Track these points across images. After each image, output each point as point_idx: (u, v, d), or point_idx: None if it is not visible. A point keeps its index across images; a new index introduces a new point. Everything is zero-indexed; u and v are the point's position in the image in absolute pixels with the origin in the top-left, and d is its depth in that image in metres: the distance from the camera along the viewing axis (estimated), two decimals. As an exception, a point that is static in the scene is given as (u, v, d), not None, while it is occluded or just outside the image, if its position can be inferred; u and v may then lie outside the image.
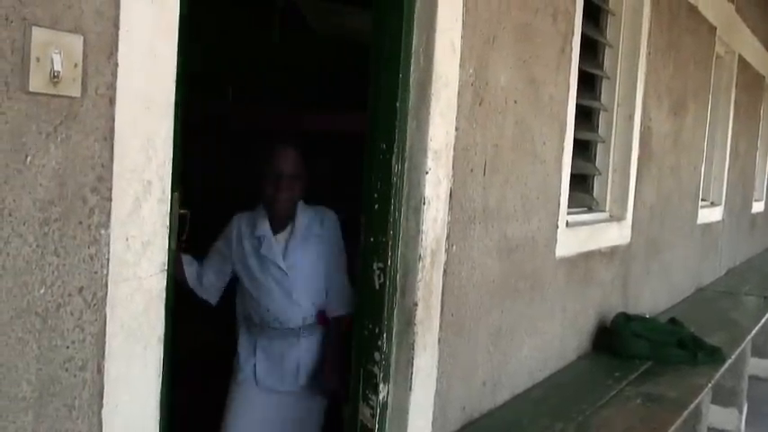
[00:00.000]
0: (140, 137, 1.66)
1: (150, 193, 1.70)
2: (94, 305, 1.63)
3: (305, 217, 3.00)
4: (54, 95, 1.50)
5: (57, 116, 1.52)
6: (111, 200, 1.62)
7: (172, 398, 1.93)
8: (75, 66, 1.51)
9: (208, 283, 3.03)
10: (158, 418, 1.80)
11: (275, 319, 2.95)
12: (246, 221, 3.00)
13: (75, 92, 1.53)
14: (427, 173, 2.63)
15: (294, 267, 2.94)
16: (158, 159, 1.72)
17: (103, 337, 1.64)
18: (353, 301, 2.79)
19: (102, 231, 1.62)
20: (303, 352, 2.98)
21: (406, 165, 2.63)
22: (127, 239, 1.66)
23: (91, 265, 1.62)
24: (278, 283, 2.94)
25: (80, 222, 1.59)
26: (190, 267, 2.99)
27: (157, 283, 1.75)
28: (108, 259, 1.63)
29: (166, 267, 1.77)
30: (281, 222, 2.97)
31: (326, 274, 3.02)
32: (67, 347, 1.60)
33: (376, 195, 2.62)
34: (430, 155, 2.63)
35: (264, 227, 2.97)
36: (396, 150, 2.60)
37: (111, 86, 1.60)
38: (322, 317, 3.06)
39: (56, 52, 1.47)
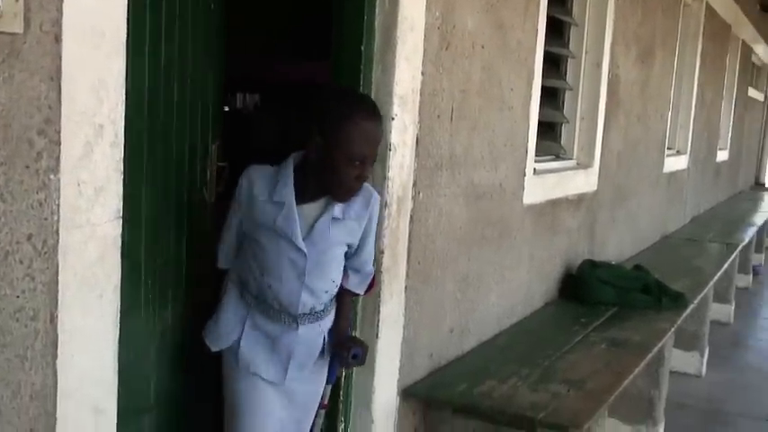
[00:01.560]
0: (90, 77, 1.58)
1: (102, 136, 1.63)
2: (45, 253, 1.57)
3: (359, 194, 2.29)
4: (-6, 32, 1.42)
5: (-2, 54, 1.44)
6: (60, 143, 1.55)
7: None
8: (17, 0, 1.43)
9: (230, 251, 2.39)
10: (116, 368, 1.76)
11: (275, 298, 2.29)
12: (263, 179, 2.24)
13: (18, 28, 1.44)
14: (393, 119, 2.58)
15: (317, 250, 2.26)
16: (110, 101, 1.64)
17: (56, 286, 1.59)
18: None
19: (52, 176, 1.55)
20: (299, 342, 2.33)
21: (371, 110, 2.57)
22: (78, 185, 1.59)
23: (40, 212, 1.55)
24: (291, 263, 2.26)
25: (27, 166, 1.51)
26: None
27: (112, 230, 1.69)
28: (58, 205, 1.57)
29: (121, 214, 1.71)
30: (313, 191, 2.24)
31: (351, 255, 2.39)
32: (17, 297, 1.54)
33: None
34: (396, 100, 2.58)
35: (287, 192, 2.22)
36: (361, 96, 2.54)
37: (57, 23, 1.51)
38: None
39: (-5, -14, 1.39)
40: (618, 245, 5.29)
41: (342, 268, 2.35)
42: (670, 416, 4.18)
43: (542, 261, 3.99)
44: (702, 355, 5.25)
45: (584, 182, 4.47)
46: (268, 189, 2.21)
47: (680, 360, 5.13)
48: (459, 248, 3.12)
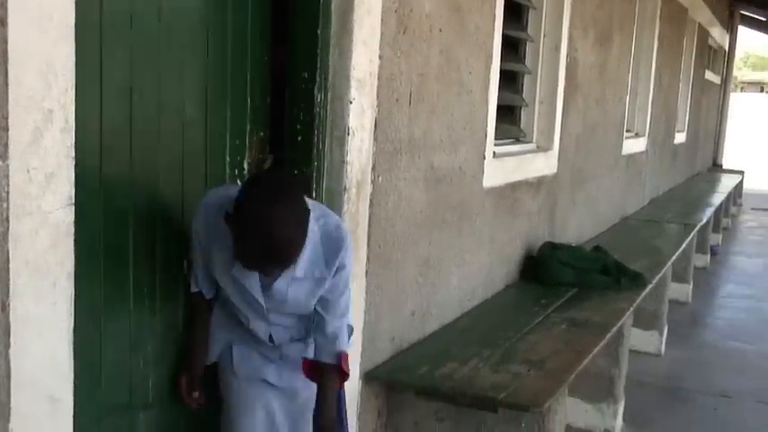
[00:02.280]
0: (37, 61, 1.55)
1: (52, 122, 1.60)
2: (-5, 241, 1.54)
3: (311, 251, 2.01)
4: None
5: (-59, 38, 1.41)
6: (7, 129, 1.52)
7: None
8: (-40, -17, 1.40)
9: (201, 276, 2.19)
10: (72, 357, 1.73)
11: (252, 329, 2.18)
12: (218, 214, 1.93)
13: (-38, 11, 1.41)
14: (351, 102, 2.57)
15: (275, 304, 2.09)
16: (59, 86, 1.61)
17: (7, 274, 1.56)
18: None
19: (0, 162, 1.52)
20: (288, 355, 2.23)
21: (329, 94, 2.57)
22: (28, 171, 1.56)
23: (-11, 199, 1.52)
24: (253, 306, 2.10)
25: (-26, 153, 1.49)
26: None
27: (64, 217, 1.67)
28: (8, 192, 1.53)
29: (73, 201, 1.69)
30: None
31: (319, 312, 2.13)
32: (-33, 285, 1.51)
33: (299, 126, 2.55)
34: (353, 84, 2.58)
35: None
36: (318, 80, 2.53)
37: (3, 5, 1.48)
38: (308, 366, 2.19)
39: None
40: (578, 227, 5.35)
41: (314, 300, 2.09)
42: (630, 394, 4.25)
43: (503, 244, 4.02)
44: (661, 334, 5.33)
45: (544, 165, 4.50)
46: (222, 228, 1.90)
47: (639, 339, 5.21)
48: (420, 232, 3.13)
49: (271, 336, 2.19)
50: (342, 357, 2.12)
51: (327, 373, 2.13)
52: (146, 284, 2.07)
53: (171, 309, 2.19)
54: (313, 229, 1.97)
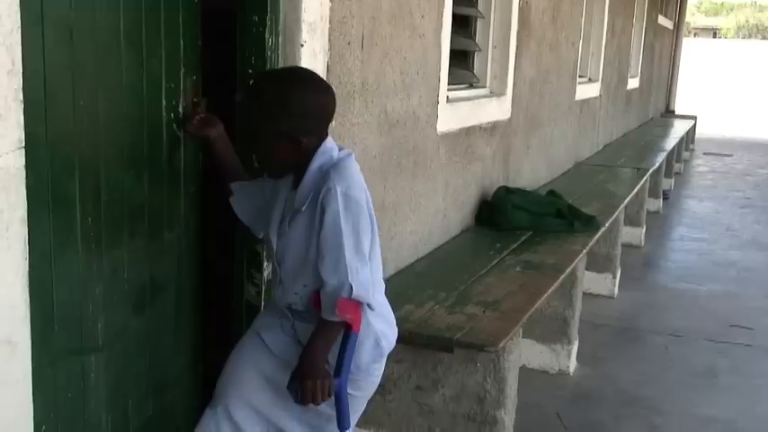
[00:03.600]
0: (-23, 1, 1.52)
1: (-4, 64, 1.57)
2: (-59, 186, 1.52)
3: (309, 181, 2.06)
4: None
5: None
6: (-51, 71, 1.49)
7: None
8: None
9: (250, 214, 2.33)
10: (28, 301, 1.73)
11: (275, 295, 2.26)
12: None
13: None
14: (302, 46, 2.56)
15: (281, 243, 2.14)
16: (5, 27, 1.58)
17: (-44, 218, 1.55)
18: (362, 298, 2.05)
19: (-57, 106, 1.50)
20: (297, 330, 2.20)
21: (280, 38, 2.55)
22: (-27, 115, 1.54)
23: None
24: (272, 251, 2.21)
25: None
26: (236, 195, 2.32)
27: (15, 161, 1.64)
28: (-47, 136, 1.52)
29: (24, 145, 1.67)
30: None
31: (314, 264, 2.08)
32: None
33: (250, 71, 2.53)
34: (304, 27, 2.55)
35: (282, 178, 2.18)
36: (269, 23, 2.50)
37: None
38: (316, 299, 2.12)
39: None
40: (532, 172, 5.40)
41: (313, 272, 2.06)
42: (584, 335, 4.35)
43: (458, 188, 4.05)
44: (615, 277, 5.45)
45: (498, 110, 4.52)
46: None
47: (593, 282, 5.32)
48: (375, 177, 3.14)
49: (290, 307, 2.18)
50: (339, 307, 2.00)
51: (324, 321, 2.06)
52: (92, 230, 2.05)
53: (116, 253, 2.17)
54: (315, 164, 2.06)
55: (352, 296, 1.99)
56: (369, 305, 2.09)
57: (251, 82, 2.07)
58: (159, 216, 2.33)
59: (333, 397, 2.05)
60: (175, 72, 2.32)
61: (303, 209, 2.04)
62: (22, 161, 1.67)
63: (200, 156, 2.45)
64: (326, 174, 2.02)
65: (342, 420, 2.10)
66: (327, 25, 2.67)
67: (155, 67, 2.23)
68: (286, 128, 2.01)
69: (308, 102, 2.03)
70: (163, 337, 2.43)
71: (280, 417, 2.24)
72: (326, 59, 2.69)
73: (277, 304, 2.24)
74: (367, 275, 2.04)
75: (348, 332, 2.07)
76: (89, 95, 1.98)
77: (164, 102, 2.28)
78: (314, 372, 2.00)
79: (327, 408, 2.14)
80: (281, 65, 2.55)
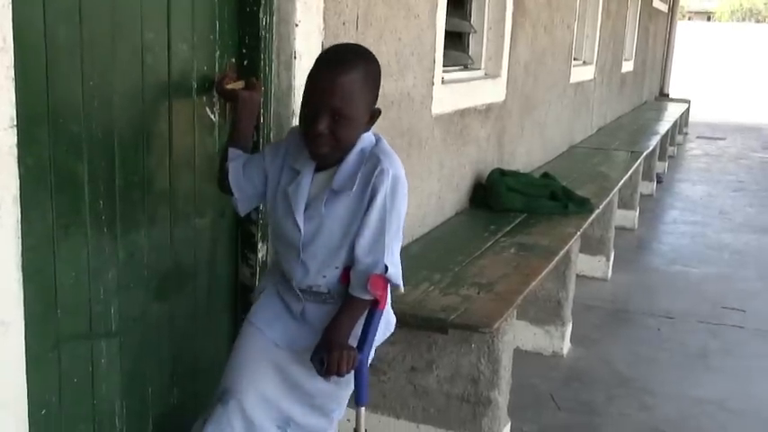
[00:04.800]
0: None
1: (-15, 40, 1.55)
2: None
3: (353, 163, 2.00)
4: None
5: None
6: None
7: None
8: None
9: (242, 185, 2.19)
10: (21, 280, 1.72)
11: (285, 269, 2.16)
12: (298, 141, 2.06)
13: None
14: (297, 25, 2.54)
15: (312, 225, 2.04)
16: (-8, 4, 1.56)
17: (-53, 197, 1.53)
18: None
19: (-67, 83, 1.48)
20: (306, 316, 2.16)
21: (274, 17, 2.52)
22: (-36, 91, 1.52)
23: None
24: (291, 234, 2.07)
25: None
26: (234, 162, 2.20)
27: (7, 139, 1.62)
28: (-56, 114, 1.50)
29: (15, 123, 1.65)
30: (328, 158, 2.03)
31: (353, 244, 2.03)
32: None
33: (244, 51, 2.51)
34: (299, 6, 2.53)
35: (306, 158, 2.05)
36: (263, 2, 2.48)
37: None
38: (345, 274, 2.08)
39: None
40: (527, 154, 5.40)
41: (347, 253, 2.03)
42: (577, 316, 4.36)
43: (452, 170, 4.05)
44: (608, 259, 5.46)
45: (492, 92, 4.51)
46: (296, 152, 2.06)
47: (587, 264, 5.33)
48: (370, 158, 3.13)
49: (309, 289, 2.12)
50: (371, 282, 1.99)
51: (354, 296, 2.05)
52: (104, 213, 2.02)
53: (134, 238, 2.15)
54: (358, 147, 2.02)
55: (387, 275, 1.99)
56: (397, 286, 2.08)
57: (346, 57, 1.95)
58: (188, 201, 2.32)
59: (353, 372, 2.05)
60: (210, 53, 2.30)
61: (352, 190, 1.98)
62: (14, 139, 1.65)
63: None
64: (373, 155, 2.00)
65: (360, 394, 2.12)
66: (322, 4, 2.65)
67: (183, 47, 2.20)
68: (374, 103, 2.03)
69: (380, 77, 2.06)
70: (192, 325, 2.42)
71: (291, 404, 2.20)
72: (321, 39, 2.67)
73: (284, 287, 2.18)
74: (398, 257, 2.04)
75: (373, 309, 2.07)
76: (100, 75, 1.95)
77: (194, 84, 2.27)
78: (340, 344, 1.98)
79: (339, 389, 2.16)
80: (275, 45, 2.53)
